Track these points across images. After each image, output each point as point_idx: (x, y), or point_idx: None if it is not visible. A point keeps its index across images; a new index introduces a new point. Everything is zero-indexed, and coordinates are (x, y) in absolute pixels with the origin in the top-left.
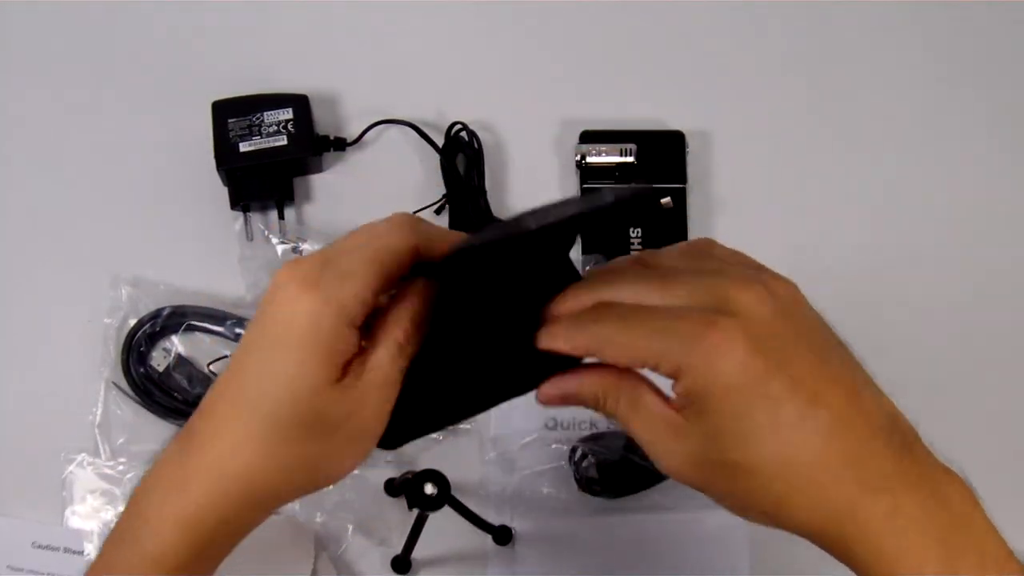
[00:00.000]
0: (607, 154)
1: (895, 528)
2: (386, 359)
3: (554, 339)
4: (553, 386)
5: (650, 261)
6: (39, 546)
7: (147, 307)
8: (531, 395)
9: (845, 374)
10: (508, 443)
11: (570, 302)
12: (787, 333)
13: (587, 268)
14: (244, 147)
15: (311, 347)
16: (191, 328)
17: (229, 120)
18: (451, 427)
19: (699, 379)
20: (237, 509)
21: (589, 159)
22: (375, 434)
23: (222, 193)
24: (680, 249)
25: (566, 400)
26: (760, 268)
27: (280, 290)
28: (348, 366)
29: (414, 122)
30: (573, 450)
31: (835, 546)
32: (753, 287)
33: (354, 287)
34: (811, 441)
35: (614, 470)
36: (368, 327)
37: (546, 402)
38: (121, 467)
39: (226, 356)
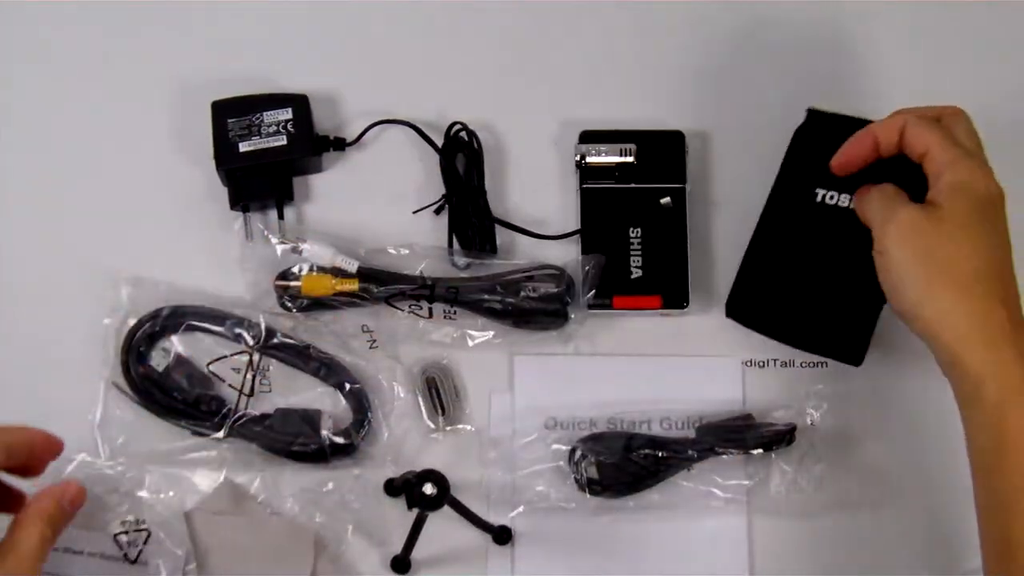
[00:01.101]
0: (607, 154)
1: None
2: None
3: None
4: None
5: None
6: None
7: (147, 307)
8: (529, 396)
9: None
10: (507, 443)
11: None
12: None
13: (586, 268)
14: (244, 147)
15: None
16: (191, 328)
17: (229, 120)
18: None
19: (969, 179)
20: None
21: (589, 159)
22: None
23: (222, 193)
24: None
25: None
26: None
27: None
28: None
29: (414, 122)
30: (573, 450)
31: (977, 352)
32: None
33: None
34: (1004, 268)
35: (614, 470)
36: None
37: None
38: (121, 467)
39: (225, 356)
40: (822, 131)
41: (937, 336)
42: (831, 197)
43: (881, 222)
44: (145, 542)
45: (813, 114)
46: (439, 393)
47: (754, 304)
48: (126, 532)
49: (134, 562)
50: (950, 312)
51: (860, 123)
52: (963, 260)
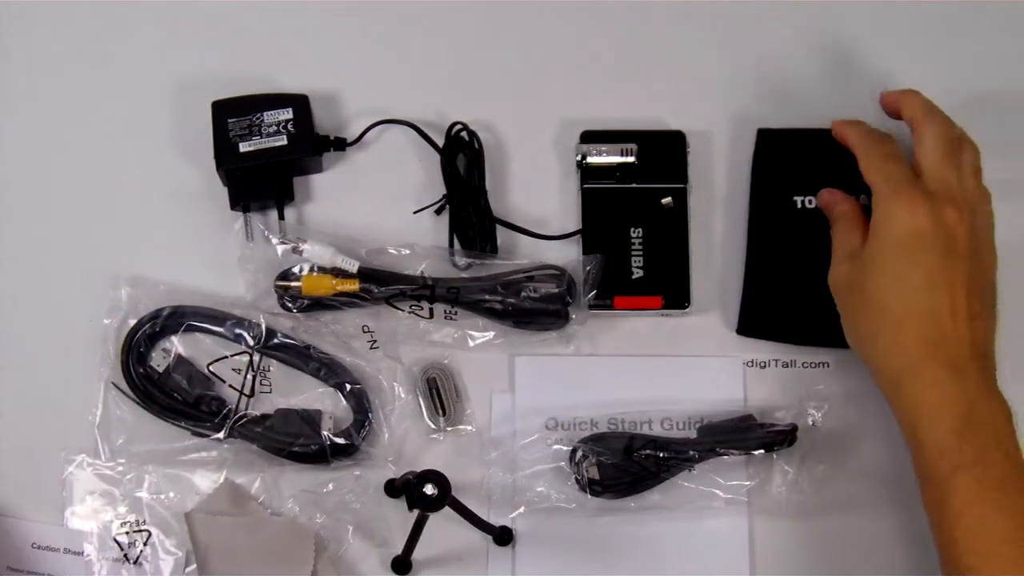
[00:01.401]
0: (608, 154)
1: (934, 393)
2: None
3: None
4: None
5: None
6: (39, 547)
7: (147, 307)
8: (530, 396)
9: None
10: (508, 443)
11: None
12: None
13: (587, 268)
14: (244, 147)
15: None
16: (191, 328)
17: (229, 120)
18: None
19: (884, 220)
20: None
21: (590, 159)
22: None
23: (222, 193)
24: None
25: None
26: None
27: None
28: None
29: (414, 122)
30: (573, 451)
31: (889, 386)
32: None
33: None
34: (916, 303)
35: (615, 471)
36: None
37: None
38: (121, 468)
39: (226, 356)
40: (778, 145)
41: (873, 372)
42: (809, 201)
43: (828, 278)
44: (145, 542)
45: (763, 133)
46: (440, 393)
47: (766, 317)
48: (126, 532)
49: (134, 562)
50: (874, 350)
51: (809, 133)
52: (877, 302)
